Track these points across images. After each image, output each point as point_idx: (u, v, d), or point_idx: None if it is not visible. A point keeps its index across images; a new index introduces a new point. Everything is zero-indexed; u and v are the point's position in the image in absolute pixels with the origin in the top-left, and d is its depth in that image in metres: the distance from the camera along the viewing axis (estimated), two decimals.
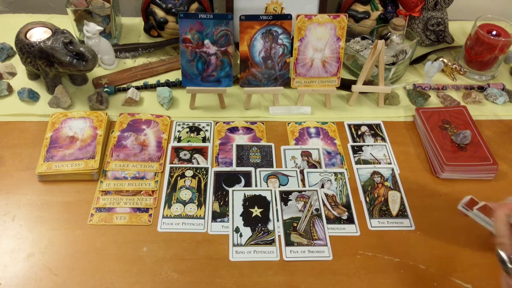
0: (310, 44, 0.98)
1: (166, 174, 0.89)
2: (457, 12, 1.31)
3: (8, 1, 1.27)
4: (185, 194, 0.86)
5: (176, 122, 0.99)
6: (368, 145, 0.97)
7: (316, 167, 0.92)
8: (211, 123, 1.00)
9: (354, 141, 0.98)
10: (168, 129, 0.97)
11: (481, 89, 1.10)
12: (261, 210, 0.84)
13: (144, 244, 0.78)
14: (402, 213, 0.85)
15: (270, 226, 0.81)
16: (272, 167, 0.92)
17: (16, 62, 1.10)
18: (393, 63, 1.07)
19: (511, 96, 1.08)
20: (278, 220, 0.82)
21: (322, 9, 1.15)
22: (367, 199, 0.87)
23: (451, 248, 0.80)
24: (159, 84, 1.06)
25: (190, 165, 0.91)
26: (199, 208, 0.84)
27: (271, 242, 0.79)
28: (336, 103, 1.06)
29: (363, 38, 1.14)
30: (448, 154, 0.91)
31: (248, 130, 0.99)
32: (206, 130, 0.98)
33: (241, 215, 0.83)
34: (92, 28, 1.04)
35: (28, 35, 0.97)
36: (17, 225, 0.80)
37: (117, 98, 1.04)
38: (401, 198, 0.87)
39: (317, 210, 0.84)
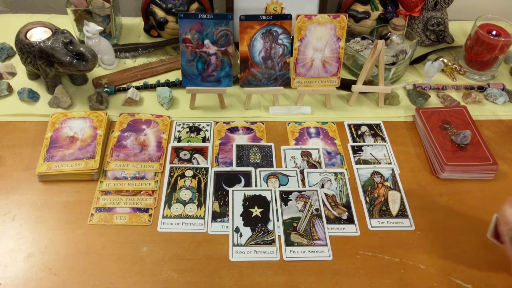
0: (310, 44, 0.98)
1: (166, 174, 0.89)
2: (457, 12, 1.31)
3: (8, 1, 1.27)
4: (185, 194, 0.86)
5: (176, 122, 0.99)
6: (368, 145, 0.97)
7: (316, 167, 0.92)
8: (211, 123, 1.00)
9: (354, 141, 0.98)
10: (168, 129, 0.97)
11: (481, 89, 1.10)
12: (261, 210, 0.84)
13: (144, 244, 0.78)
14: (402, 213, 0.85)
15: (270, 226, 0.81)
16: (272, 167, 0.92)
17: (16, 62, 1.10)
18: (393, 63, 1.07)
19: (511, 96, 1.08)
20: (278, 220, 0.82)
21: (322, 9, 1.15)
22: (367, 199, 0.87)
23: (451, 248, 0.80)
24: (159, 84, 1.06)
25: (190, 165, 0.91)
26: (199, 208, 0.84)
27: (271, 242, 0.79)
28: (336, 103, 1.06)
29: (363, 38, 1.14)
30: (448, 154, 0.91)
31: (248, 130, 0.99)
32: (206, 130, 0.98)
33: (241, 215, 0.83)
34: (92, 28, 1.04)
35: (28, 35, 0.97)
36: (17, 225, 0.80)
37: (117, 98, 1.04)
38: (401, 198, 0.87)
39: (317, 210, 0.84)
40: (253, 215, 0.83)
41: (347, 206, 0.85)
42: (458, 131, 0.95)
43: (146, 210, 0.83)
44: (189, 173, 0.89)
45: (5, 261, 0.75)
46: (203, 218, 0.82)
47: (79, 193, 0.85)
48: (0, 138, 0.94)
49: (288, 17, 0.95)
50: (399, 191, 0.88)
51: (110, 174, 0.88)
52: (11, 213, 0.82)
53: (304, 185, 0.88)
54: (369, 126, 1.01)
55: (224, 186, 0.87)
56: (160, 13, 1.12)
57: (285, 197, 0.86)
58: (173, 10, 1.11)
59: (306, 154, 0.94)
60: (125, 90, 1.05)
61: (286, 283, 0.74)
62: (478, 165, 0.90)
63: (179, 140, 0.96)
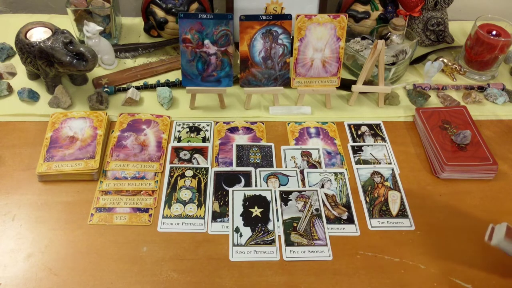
0: (310, 44, 0.98)
1: (166, 174, 0.89)
2: (457, 12, 1.31)
3: (8, 1, 1.27)
4: (185, 194, 0.86)
5: (176, 122, 0.99)
6: (368, 145, 0.97)
7: (316, 167, 0.92)
8: (211, 123, 1.00)
9: (354, 141, 0.98)
10: (168, 129, 0.97)
11: (481, 89, 1.10)
12: (261, 210, 0.84)
13: (144, 244, 0.78)
14: (402, 213, 0.85)
15: (270, 226, 0.81)
16: (272, 167, 0.92)
17: (16, 62, 1.10)
18: (393, 63, 1.07)
19: (511, 96, 1.08)
20: (278, 220, 0.82)
21: (322, 9, 1.15)
22: (367, 199, 0.87)
23: (451, 248, 0.80)
24: (159, 84, 1.06)
25: (190, 165, 0.91)
26: (199, 208, 0.84)
27: (271, 242, 0.79)
28: (336, 103, 1.06)
29: (363, 38, 1.14)
30: (448, 154, 0.91)
31: (248, 130, 0.99)
32: (206, 130, 0.98)
33: (241, 215, 0.83)
34: (92, 28, 1.04)
35: (28, 35, 0.97)
36: (17, 225, 0.80)
37: (117, 98, 1.04)
38: (401, 198, 0.87)
39: (317, 210, 0.84)
40: (253, 215, 0.83)
41: (347, 206, 0.85)
42: (458, 131, 0.95)
43: (146, 210, 0.83)
44: (189, 173, 0.89)
45: (5, 261, 0.75)
46: (203, 218, 0.82)
47: (79, 193, 0.85)
48: (0, 138, 0.94)
49: (288, 17, 0.95)
50: (399, 191, 0.88)
51: (110, 174, 0.88)
52: (11, 213, 0.82)
53: (304, 185, 0.88)
54: (369, 126, 1.01)
55: (224, 186, 0.87)
56: (160, 13, 1.12)
57: (285, 197, 0.86)
58: (173, 10, 1.11)
59: (306, 154, 0.94)
60: (125, 90, 1.05)
61: (286, 283, 0.74)
62: (478, 165, 0.90)
63: (179, 140, 0.96)
